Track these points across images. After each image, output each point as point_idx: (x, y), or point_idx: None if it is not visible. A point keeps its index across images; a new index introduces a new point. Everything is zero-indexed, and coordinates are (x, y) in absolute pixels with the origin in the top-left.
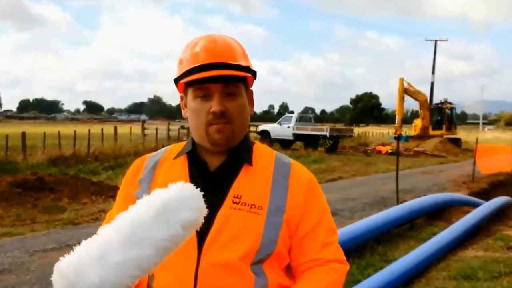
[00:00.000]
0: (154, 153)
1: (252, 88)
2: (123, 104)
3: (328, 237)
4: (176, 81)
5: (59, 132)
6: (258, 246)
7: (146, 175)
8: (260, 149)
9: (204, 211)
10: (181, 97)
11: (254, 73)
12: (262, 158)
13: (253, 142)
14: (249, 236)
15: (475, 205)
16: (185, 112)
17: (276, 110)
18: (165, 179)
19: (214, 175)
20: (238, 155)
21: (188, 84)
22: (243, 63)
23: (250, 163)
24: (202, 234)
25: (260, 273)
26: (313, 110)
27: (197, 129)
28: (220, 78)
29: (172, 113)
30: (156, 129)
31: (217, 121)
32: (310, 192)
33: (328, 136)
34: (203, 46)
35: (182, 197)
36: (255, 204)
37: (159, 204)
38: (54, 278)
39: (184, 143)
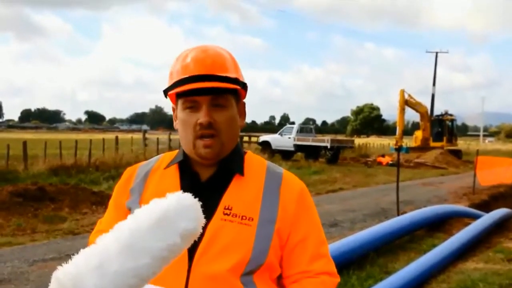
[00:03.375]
0: (146, 162)
1: (245, 100)
2: (124, 114)
3: (318, 249)
4: (165, 92)
5: (60, 142)
6: (249, 258)
7: (137, 184)
8: (251, 159)
9: (202, 221)
10: (173, 109)
11: (244, 85)
12: (254, 168)
13: (244, 152)
14: (239, 248)
15: (476, 217)
16: (176, 124)
17: (277, 121)
18: (156, 189)
19: (205, 185)
20: (229, 166)
21: (178, 96)
22: (233, 75)
23: (242, 173)
24: (192, 246)
25: (250, 285)
26: (314, 121)
27: (185, 141)
28: (208, 90)
29: (173, 123)
30: (157, 139)
31: (204, 132)
32: (301, 203)
33: (329, 147)
34: (194, 57)
35: (180, 207)
36: (245, 215)
37: (157, 214)
38: (52, 287)
39: (175, 152)
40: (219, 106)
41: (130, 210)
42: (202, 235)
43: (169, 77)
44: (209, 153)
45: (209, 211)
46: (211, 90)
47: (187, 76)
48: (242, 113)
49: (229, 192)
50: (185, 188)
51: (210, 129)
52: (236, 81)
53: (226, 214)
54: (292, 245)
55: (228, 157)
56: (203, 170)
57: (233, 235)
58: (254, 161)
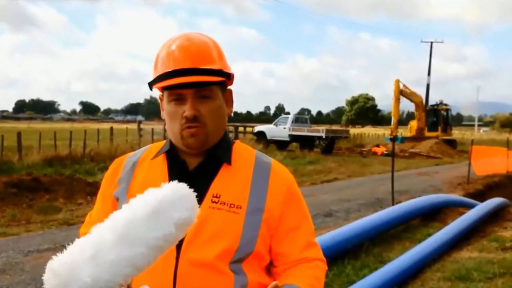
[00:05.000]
0: (133, 153)
1: (231, 88)
2: (119, 105)
3: (310, 238)
4: (150, 85)
5: (55, 133)
6: (237, 246)
7: (125, 175)
8: (240, 148)
9: (197, 210)
10: (160, 98)
11: (228, 75)
12: (242, 157)
13: (233, 141)
14: (228, 235)
15: (470, 206)
16: (163, 114)
17: (272, 111)
18: (144, 179)
19: (193, 174)
20: (217, 155)
21: (163, 88)
22: (217, 66)
23: (229, 162)
24: None
25: (239, 272)
26: (309, 111)
27: (172, 132)
28: (191, 84)
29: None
30: (152, 129)
31: (190, 125)
32: (291, 193)
33: (324, 137)
34: (177, 48)
35: (175, 196)
36: (234, 203)
37: (153, 204)
38: (46, 276)
39: (163, 142)
40: (204, 98)
41: (117, 200)
42: None
43: (153, 67)
44: (195, 142)
45: (197, 199)
46: (195, 84)
47: (170, 70)
48: (229, 101)
49: (217, 181)
50: (173, 177)
51: (196, 121)
52: (220, 72)
53: (214, 202)
54: (282, 234)
55: (215, 146)
56: (190, 159)
57: (221, 222)
58: (242, 150)
